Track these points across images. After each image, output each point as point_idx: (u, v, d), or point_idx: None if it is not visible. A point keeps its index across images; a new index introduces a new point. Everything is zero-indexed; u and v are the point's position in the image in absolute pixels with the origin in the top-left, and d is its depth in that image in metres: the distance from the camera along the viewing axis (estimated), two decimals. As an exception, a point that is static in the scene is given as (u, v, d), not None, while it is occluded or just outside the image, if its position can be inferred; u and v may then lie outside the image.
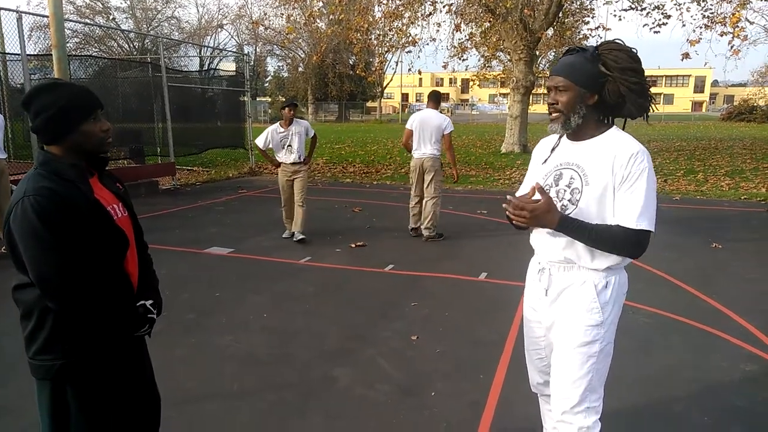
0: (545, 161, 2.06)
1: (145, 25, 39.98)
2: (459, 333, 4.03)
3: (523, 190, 2.17)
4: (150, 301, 1.86)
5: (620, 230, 1.83)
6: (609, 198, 1.86)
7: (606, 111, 1.93)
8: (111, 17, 38.97)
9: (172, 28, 42.13)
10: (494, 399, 3.10)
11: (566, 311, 1.97)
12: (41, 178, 1.60)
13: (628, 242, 1.82)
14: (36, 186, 1.57)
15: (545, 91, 1.99)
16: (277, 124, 6.56)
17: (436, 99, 6.78)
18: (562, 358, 1.98)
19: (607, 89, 1.85)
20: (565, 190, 1.95)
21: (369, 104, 58.88)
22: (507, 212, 1.86)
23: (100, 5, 38.36)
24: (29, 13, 9.36)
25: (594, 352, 1.93)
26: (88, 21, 35.33)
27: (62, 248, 1.56)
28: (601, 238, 1.84)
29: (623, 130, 1.96)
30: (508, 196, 1.88)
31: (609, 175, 1.84)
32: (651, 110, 1.91)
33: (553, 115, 1.93)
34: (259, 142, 6.59)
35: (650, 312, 4.35)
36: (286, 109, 6.47)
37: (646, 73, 1.88)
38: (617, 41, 1.89)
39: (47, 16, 5.79)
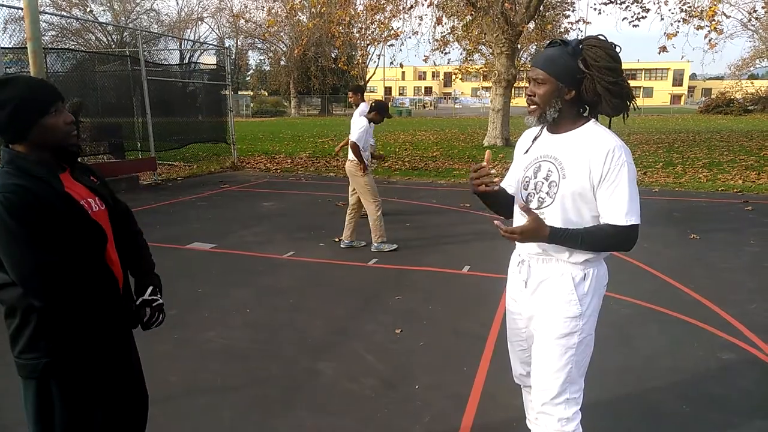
0: (527, 151, 2.06)
1: (123, 18, 39.32)
2: (442, 326, 4.05)
3: (506, 182, 2.19)
4: (148, 290, 1.87)
5: (610, 228, 1.85)
6: (587, 193, 1.86)
7: (582, 106, 1.93)
8: (88, 9, 38.26)
9: (151, 20, 41.51)
10: (478, 391, 3.13)
11: (545, 303, 1.99)
12: (9, 175, 1.56)
13: (620, 239, 1.85)
14: (4, 183, 1.53)
15: (527, 85, 1.98)
16: (365, 118, 5.92)
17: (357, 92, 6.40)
18: (542, 350, 2.00)
19: (585, 86, 1.83)
20: (543, 183, 1.95)
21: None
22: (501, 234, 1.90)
23: (77, -3, 37.65)
24: (3, 6, 9.15)
25: (573, 343, 1.94)
26: (65, 13, 34.65)
27: (39, 244, 1.54)
28: (593, 240, 1.86)
29: (609, 124, 1.95)
30: (495, 222, 1.92)
31: (586, 171, 1.84)
32: (627, 111, 1.90)
33: (530, 107, 1.93)
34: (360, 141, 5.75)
35: (629, 302, 4.41)
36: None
37: (626, 67, 1.88)
38: (600, 37, 1.86)
39: (22, 9, 5.68)
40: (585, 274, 1.93)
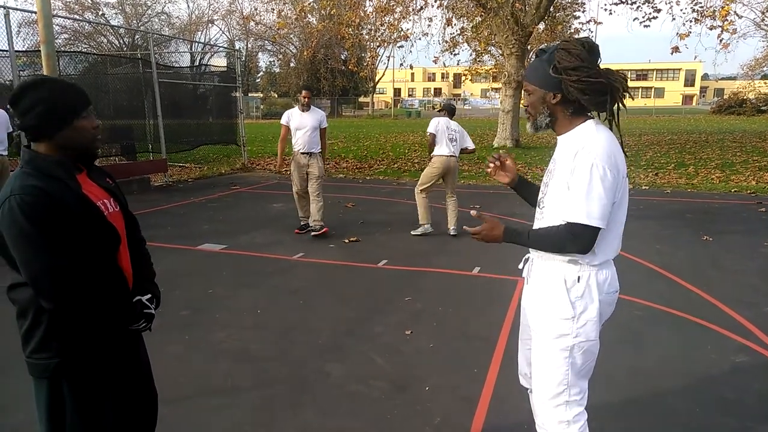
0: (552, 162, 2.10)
1: (135, 21, 39.68)
2: (452, 327, 4.04)
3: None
4: (147, 296, 1.86)
5: (558, 227, 1.86)
6: (564, 192, 1.87)
7: (575, 107, 1.90)
8: (100, 13, 38.64)
9: (163, 23, 41.87)
10: (488, 393, 3.12)
11: (539, 302, 2.02)
12: (27, 176, 1.58)
13: (566, 237, 1.84)
14: (22, 185, 1.55)
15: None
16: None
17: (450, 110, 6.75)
18: (536, 349, 2.04)
19: (563, 89, 1.85)
20: (545, 185, 2.02)
21: (361, 99, 58.82)
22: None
23: (89, 1, 38.01)
24: (17, 9, 9.26)
25: (566, 345, 1.93)
26: (77, 17, 35.00)
27: (52, 247, 1.55)
28: (538, 239, 1.93)
29: (613, 123, 1.93)
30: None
31: (568, 171, 1.85)
32: (611, 104, 1.85)
33: (527, 116, 2.03)
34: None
35: (641, 304, 4.38)
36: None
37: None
38: (568, 40, 1.87)
39: (35, 12, 5.74)
40: (579, 277, 1.91)
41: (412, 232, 6.73)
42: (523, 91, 2.03)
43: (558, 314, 1.93)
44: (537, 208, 2.08)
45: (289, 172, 6.98)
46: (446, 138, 6.48)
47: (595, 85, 1.80)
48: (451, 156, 6.50)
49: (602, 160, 1.78)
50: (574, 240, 1.83)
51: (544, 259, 2.00)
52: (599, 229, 1.80)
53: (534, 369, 2.05)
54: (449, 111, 6.67)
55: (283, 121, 6.70)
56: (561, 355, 1.94)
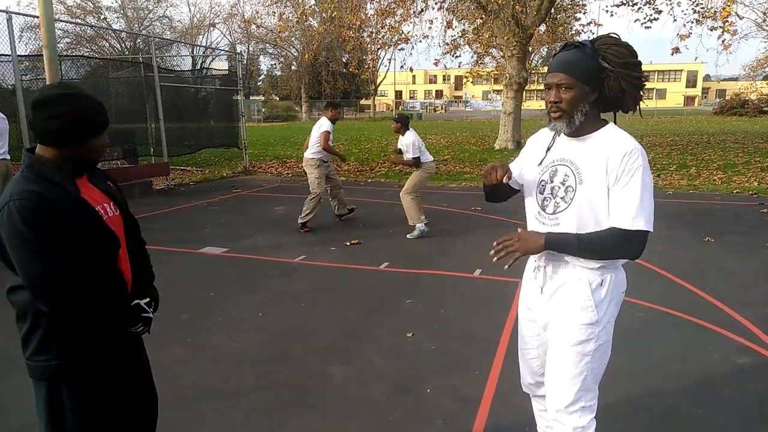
0: (541, 162, 2.02)
1: (136, 25, 39.74)
2: (454, 329, 4.04)
3: (513, 168, 2.12)
4: (145, 300, 1.86)
5: (611, 233, 1.80)
6: (603, 198, 1.83)
7: (603, 107, 1.90)
8: (102, 17, 38.73)
9: (164, 27, 41.89)
10: (489, 395, 3.12)
11: (561, 309, 1.96)
12: (27, 181, 1.59)
13: (623, 244, 1.79)
14: (21, 189, 1.56)
15: (538, 88, 1.97)
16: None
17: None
18: (557, 357, 1.96)
19: (607, 85, 1.82)
20: (559, 188, 1.93)
21: (363, 102, 58.88)
22: (500, 254, 1.91)
23: (91, 5, 38.07)
24: (19, 14, 9.30)
25: (589, 350, 1.91)
26: (79, 21, 35.11)
27: (50, 251, 1.56)
28: (591, 246, 1.83)
29: (615, 125, 1.93)
30: (495, 243, 1.94)
31: (603, 174, 1.81)
32: (643, 103, 1.91)
33: (555, 114, 1.87)
34: None
35: (643, 306, 4.37)
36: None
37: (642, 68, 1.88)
38: (612, 35, 1.86)
39: (38, 17, 5.76)
40: (602, 280, 1.89)
41: (409, 236, 6.72)
42: (550, 86, 1.87)
43: (582, 320, 1.90)
44: (541, 213, 1.98)
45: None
46: (424, 146, 6.91)
47: (645, 84, 1.84)
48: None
49: (646, 163, 1.80)
50: (631, 246, 1.79)
51: (563, 266, 1.94)
52: (650, 233, 1.79)
53: (551, 376, 1.98)
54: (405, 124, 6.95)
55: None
56: (584, 360, 1.91)
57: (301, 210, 7.14)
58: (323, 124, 7.15)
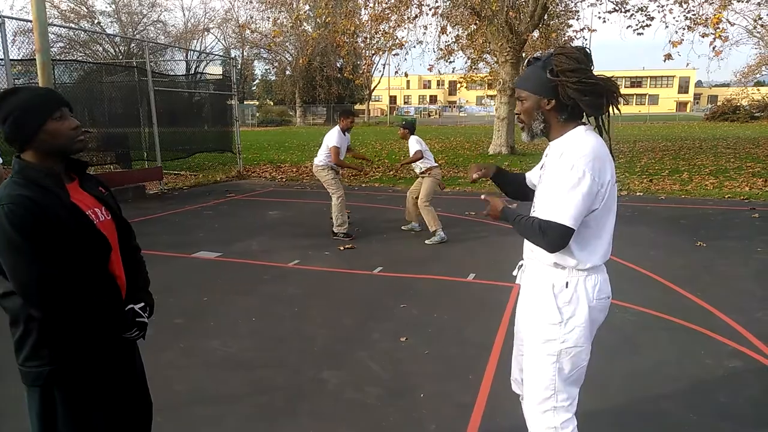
0: (542, 166, 2.12)
1: (130, 29, 39.69)
2: (447, 334, 4.05)
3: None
4: (140, 304, 1.86)
5: (533, 220, 1.92)
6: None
7: (569, 112, 1.94)
8: (96, 21, 38.66)
9: (158, 32, 41.88)
10: (483, 400, 3.12)
11: (528, 307, 2.06)
12: (16, 186, 1.58)
13: (537, 232, 1.88)
14: (10, 194, 1.55)
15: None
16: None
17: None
18: (526, 354, 2.07)
19: (560, 93, 1.88)
20: (537, 187, 2.08)
21: (357, 107, 58.93)
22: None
23: (85, 9, 38.05)
24: (12, 18, 9.26)
25: (553, 351, 1.95)
26: (73, 25, 35.02)
27: (40, 256, 1.55)
28: (519, 227, 1.97)
29: (603, 129, 1.97)
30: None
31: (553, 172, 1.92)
32: (608, 108, 1.91)
33: (520, 125, 2.06)
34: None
35: (635, 310, 4.39)
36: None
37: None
38: (564, 46, 1.94)
39: (31, 21, 5.75)
40: (567, 282, 1.94)
41: (427, 241, 6.71)
42: (516, 100, 2.05)
43: (546, 319, 1.96)
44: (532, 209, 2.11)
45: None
46: (428, 150, 6.92)
47: (594, 87, 1.84)
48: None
49: (584, 163, 1.81)
50: (544, 236, 1.86)
51: (535, 264, 2.03)
52: (571, 229, 1.82)
53: (524, 374, 2.08)
54: (412, 128, 7.04)
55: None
56: (548, 360, 1.96)
57: (332, 219, 7.05)
58: (332, 138, 6.95)
